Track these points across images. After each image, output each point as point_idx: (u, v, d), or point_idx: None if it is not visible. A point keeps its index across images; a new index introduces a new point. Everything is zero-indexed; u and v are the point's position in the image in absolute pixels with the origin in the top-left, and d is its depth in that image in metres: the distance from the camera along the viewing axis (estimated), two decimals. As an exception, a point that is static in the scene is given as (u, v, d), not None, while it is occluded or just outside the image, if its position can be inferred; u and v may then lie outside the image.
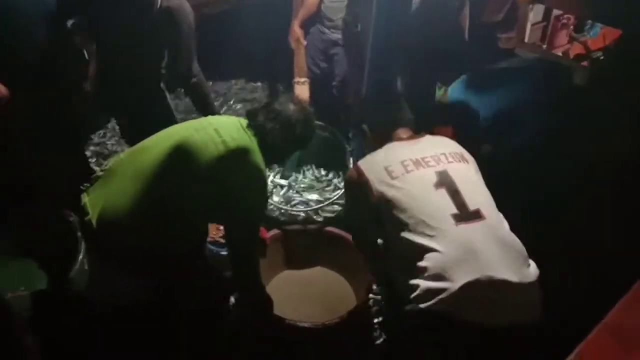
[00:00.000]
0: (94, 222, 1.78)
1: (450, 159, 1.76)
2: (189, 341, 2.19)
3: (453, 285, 1.48)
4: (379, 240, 1.97)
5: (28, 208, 2.36)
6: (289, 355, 2.16)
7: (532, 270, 1.60)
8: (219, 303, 2.22)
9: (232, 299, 2.36)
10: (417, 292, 1.52)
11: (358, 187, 1.78)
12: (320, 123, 2.58)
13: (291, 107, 1.95)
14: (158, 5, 2.08)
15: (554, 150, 2.31)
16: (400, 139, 1.86)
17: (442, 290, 1.49)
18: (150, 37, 2.17)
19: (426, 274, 1.53)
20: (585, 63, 3.34)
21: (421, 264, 1.54)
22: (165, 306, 2.02)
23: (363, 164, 1.81)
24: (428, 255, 1.54)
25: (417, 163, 1.73)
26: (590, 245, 1.95)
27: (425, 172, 1.70)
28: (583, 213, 2.08)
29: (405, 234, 1.60)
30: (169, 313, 2.04)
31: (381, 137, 1.90)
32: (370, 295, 2.37)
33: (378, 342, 2.29)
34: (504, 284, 1.49)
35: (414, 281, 1.55)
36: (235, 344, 2.23)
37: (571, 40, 3.76)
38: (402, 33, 2.23)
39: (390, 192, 1.68)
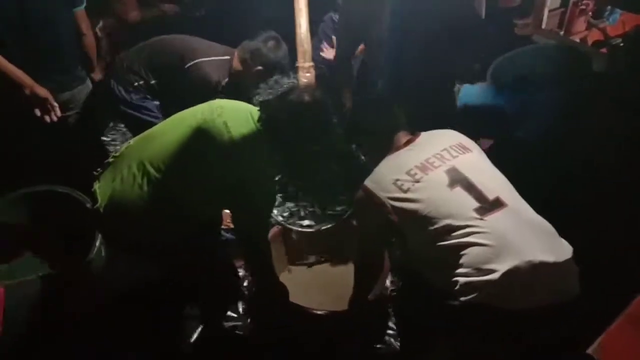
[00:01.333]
0: (101, 209, 1.79)
1: (454, 153, 1.73)
2: (200, 327, 2.22)
3: (493, 276, 1.46)
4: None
5: (46, 191, 2.39)
6: (302, 343, 2.16)
7: (566, 247, 1.57)
8: (230, 290, 2.23)
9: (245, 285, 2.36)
10: (457, 287, 1.50)
11: (371, 208, 1.71)
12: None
13: (307, 99, 1.84)
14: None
15: (570, 139, 2.28)
16: (399, 147, 1.81)
17: (483, 282, 1.47)
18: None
19: (464, 270, 1.51)
20: (604, 50, 3.28)
21: (457, 261, 1.52)
22: (176, 291, 2.03)
23: (370, 184, 1.73)
24: (463, 252, 1.52)
25: (423, 168, 1.68)
26: (612, 237, 1.93)
27: (435, 175, 1.66)
28: (603, 205, 2.05)
29: (435, 242, 1.57)
30: (180, 298, 2.05)
31: (380, 147, 1.84)
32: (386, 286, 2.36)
33: (392, 332, 2.29)
34: (543, 265, 1.47)
35: (451, 277, 1.52)
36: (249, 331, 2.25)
37: (589, 26, 3.70)
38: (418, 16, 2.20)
39: (408, 206, 1.63)
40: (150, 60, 2.58)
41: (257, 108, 1.85)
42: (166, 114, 2.54)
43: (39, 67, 2.34)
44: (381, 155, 1.81)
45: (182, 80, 2.51)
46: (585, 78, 2.66)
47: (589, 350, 1.28)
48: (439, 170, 1.66)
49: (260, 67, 2.54)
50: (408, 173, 1.67)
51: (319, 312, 2.10)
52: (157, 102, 2.62)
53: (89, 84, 2.72)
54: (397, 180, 1.67)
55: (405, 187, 1.65)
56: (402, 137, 1.84)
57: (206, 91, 2.45)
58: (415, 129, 1.87)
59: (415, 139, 1.82)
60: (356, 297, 2.06)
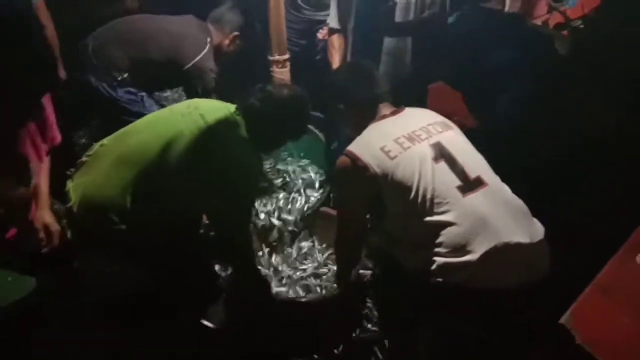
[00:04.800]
0: (75, 208, 1.77)
1: (440, 129, 1.73)
2: (183, 329, 2.20)
3: (472, 257, 1.49)
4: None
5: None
6: (285, 332, 2.17)
7: (539, 227, 1.62)
8: (207, 286, 2.21)
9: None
10: (434, 267, 1.52)
11: (354, 174, 1.67)
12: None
13: (285, 91, 1.88)
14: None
15: (536, 120, 2.33)
16: (385, 116, 1.79)
17: (462, 263, 1.50)
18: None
19: (442, 249, 1.53)
20: (565, 32, 3.35)
21: (436, 240, 1.54)
22: (155, 294, 2.00)
23: (356, 148, 1.69)
24: (443, 231, 1.54)
25: (411, 138, 1.67)
26: (580, 210, 1.99)
27: (421, 147, 1.65)
28: (567, 180, 2.12)
29: (415, 216, 1.58)
30: (159, 300, 2.02)
31: (363, 115, 1.81)
32: (361, 271, 2.38)
33: (371, 315, 2.31)
34: (518, 246, 1.51)
35: (429, 257, 1.54)
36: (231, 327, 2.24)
37: (550, 9, 3.77)
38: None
39: (394, 174, 1.61)
40: (135, 53, 2.58)
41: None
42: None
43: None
44: (364, 124, 1.79)
45: (176, 74, 2.63)
46: (551, 60, 2.72)
47: (562, 320, 1.32)
48: (425, 143, 1.67)
49: (236, 33, 2.73)
50: (396, 141, 1.66)
51: (301, 300, 2.11)
52: (143, 93, 2.63)
53: None
54: (385, 146, 1.65)
55: (392, 154, 1.63)
56: (386, 108, 1.82)
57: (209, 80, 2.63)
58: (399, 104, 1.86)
59: (400, 111, 1.81)
60: (341, 274, 2.05)
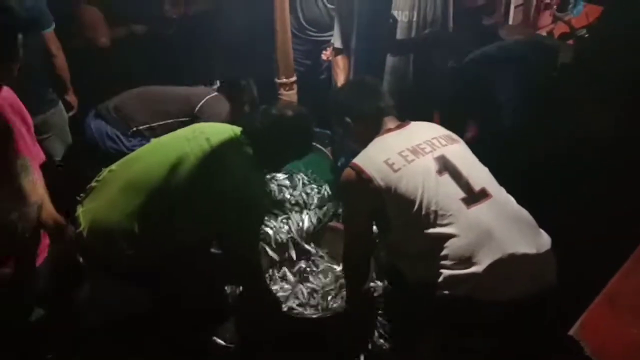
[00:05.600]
0: (84, 233, 1.78)
1: (444, 142, 1.74)
2: (194, 348, 2.20)
3: (477, 269, 1.48)
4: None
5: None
6: (300, 349, 2.16)
7: (546, 238, 1.60)
8: (217, 308, 2.22)
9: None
10: (440, 279, 1.52)
11: (359, 186, 1.67)
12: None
13: (289, 112, 1.92)
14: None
15: (540, 128, 2.33)
16: (390, 130, 1.80)
17: (467, 275, 1.49)
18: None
19: (447, 262, 1.52)
20: (570, 42, 3.36)
21: (441, 252, 1.54)
22: (164, 315, 2.01)
23: (360, 161, 1.70)
24: (447, 243, 1.53)
25: (415, 151, 1.68)
26: (588, 219, 1.98)
27: (425, 160, 1.66)
28: (573, 188, 2.11)
29: (419, 229, 1.58)
30: (168, 321, 2.03)
31: (369, 129, 1.82)
32: (371, 284, 2.37)
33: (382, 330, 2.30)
34: (524, 257, 1.50)
35: (434, 269, 1.54)
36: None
37: (555, 19, 3.79)
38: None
39: (397, 187, 1.62)
40: (154, 106, 2.73)
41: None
42: None
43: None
44: (369, 138, 1.80)
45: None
46: (552, 70, 2.73)
47: (571, 332, 1.31)
48: (429, 156, 1.67)
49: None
50: (400, 154, 1.67)
51: (312, 317, 2.11)
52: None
53: (61, 107, 2.70)
54: (389, 159, 1.66)
55: (396, 167, 1.64)
56: (391, 121, 1.83)
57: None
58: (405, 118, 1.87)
59: (405, 125, 1.83)
60: (351, 290, 2.02)
